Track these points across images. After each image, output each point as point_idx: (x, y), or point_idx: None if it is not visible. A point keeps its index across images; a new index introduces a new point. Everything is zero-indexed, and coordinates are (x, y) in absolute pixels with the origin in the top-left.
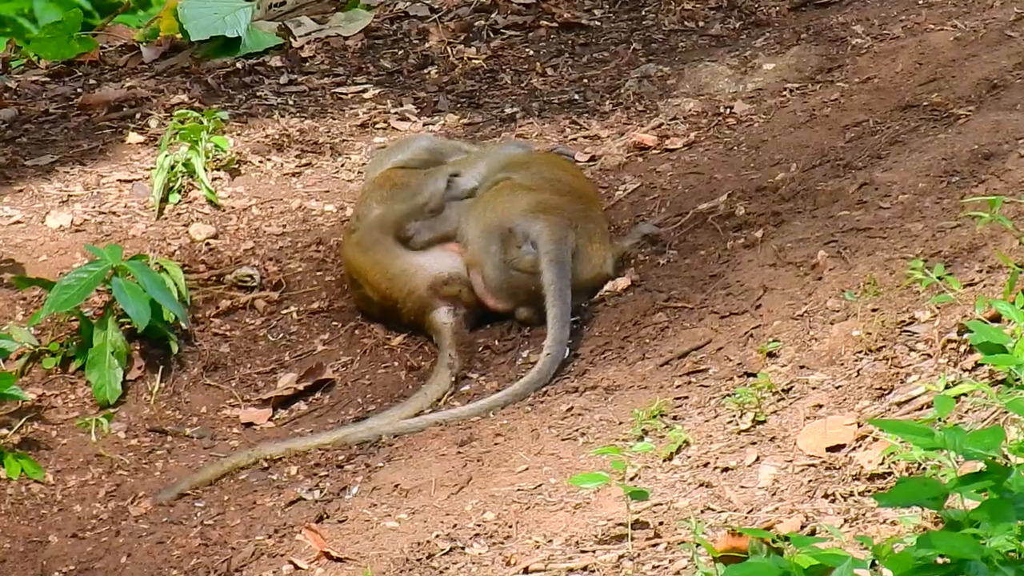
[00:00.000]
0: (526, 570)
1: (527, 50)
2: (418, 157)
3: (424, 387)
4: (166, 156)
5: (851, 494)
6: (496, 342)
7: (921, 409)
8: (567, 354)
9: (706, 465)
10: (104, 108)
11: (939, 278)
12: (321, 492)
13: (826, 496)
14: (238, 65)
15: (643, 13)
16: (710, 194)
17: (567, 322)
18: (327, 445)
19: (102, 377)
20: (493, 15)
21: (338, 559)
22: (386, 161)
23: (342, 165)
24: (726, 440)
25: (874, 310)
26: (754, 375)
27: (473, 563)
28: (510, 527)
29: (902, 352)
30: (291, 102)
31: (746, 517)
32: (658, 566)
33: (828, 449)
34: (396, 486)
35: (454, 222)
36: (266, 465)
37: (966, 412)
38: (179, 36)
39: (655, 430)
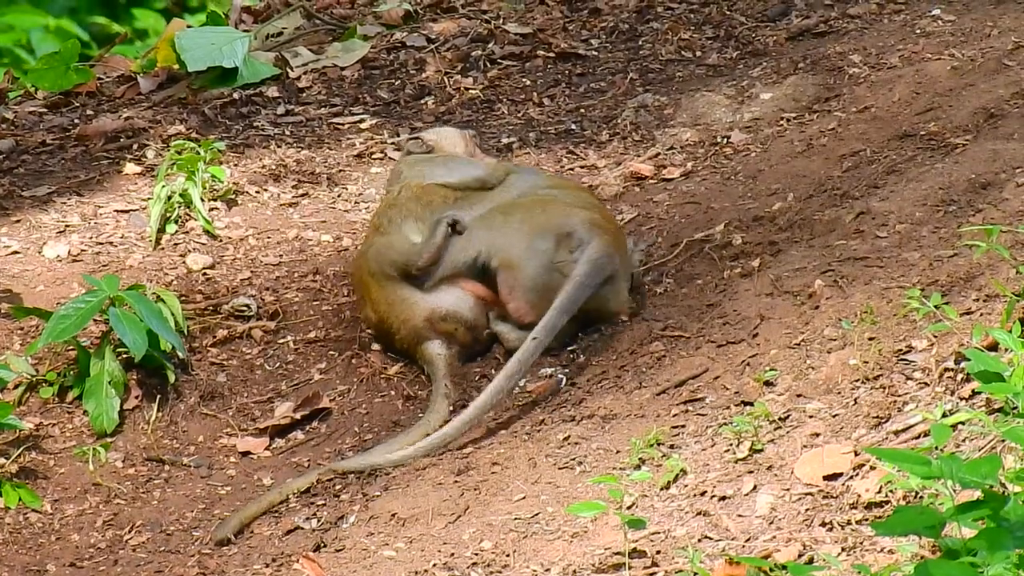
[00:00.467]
0: None
1: (524, 80)
2: (464, 184)
3: (425, 416)
4: (163, 186)
5: (848, 523)
6: (492, 371)
7: (918, 437)
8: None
9: (703, 494)
10: (101, 139)
11: (936, 307)
12: (318, 521)
13: (823, 524)
14: (235, 96)
15: (640, 43)
16: (707, 224)
17: (565, 315)
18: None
19: (99, 406)
20: (490, 45)
21: None
22: (430, 172)
23: (339, 195)
24: (723, 469)
25: (871, 339)
26: (751, 404)
27: None
28: (507, 556)
29: (899, 381)
30: (288, 132)
31: (743, 546)
32: None
33: (825, 478)
34: (393, 515)
35: (460, 259)
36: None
37: (963, 440)
38: (176, 67)
39: (652, 459)
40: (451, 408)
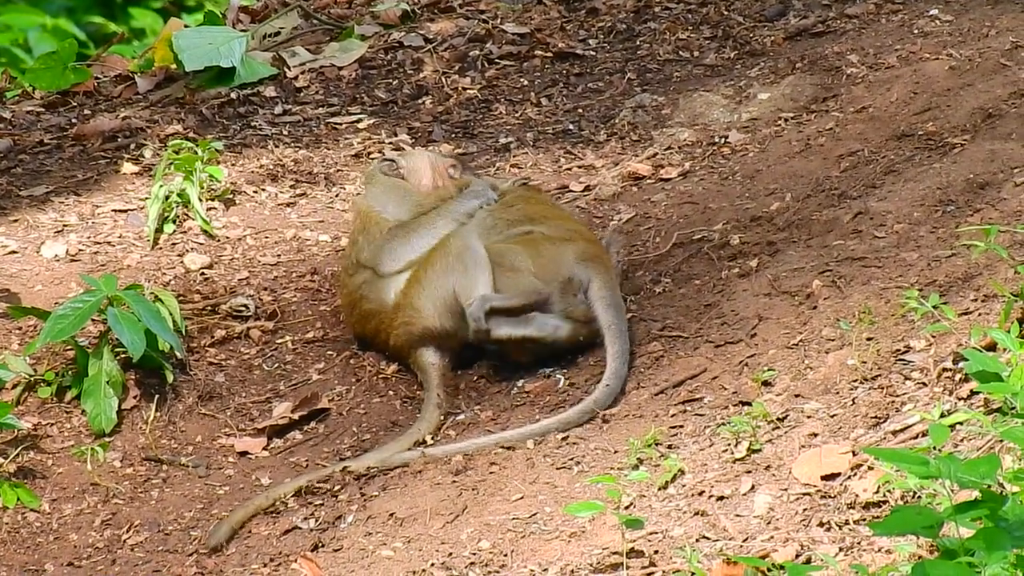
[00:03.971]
0: None
1: (522, 80)
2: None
3: (416, 424)
4: (161, 186)
5: (846, 522)
6: (490, 371)
7: (916, 437)
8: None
9: (701, 494)
10: (99, 138)
11: (934, 307)
12: (316, 521)
13: (821, 524)
14: (232, 95)
15: (638, 43)
16: (705, 224)
17: (626, 360)
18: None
19: (98, 406)
20: (488, 45)
21: None
22: (381, 205)
23: (336, 195)
24: (721, 469)
25: (869, 339)
26: (749, 404)
27: None
28: (505, 556)
29: (897, 381)
30: (285, 132)
31: (741, 546)
32: None
33: (823, 478)
34: (391, 515)
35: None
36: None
37: (961, 440)
38: (174, 66)
39: (650, 459)
40: (442, 417)
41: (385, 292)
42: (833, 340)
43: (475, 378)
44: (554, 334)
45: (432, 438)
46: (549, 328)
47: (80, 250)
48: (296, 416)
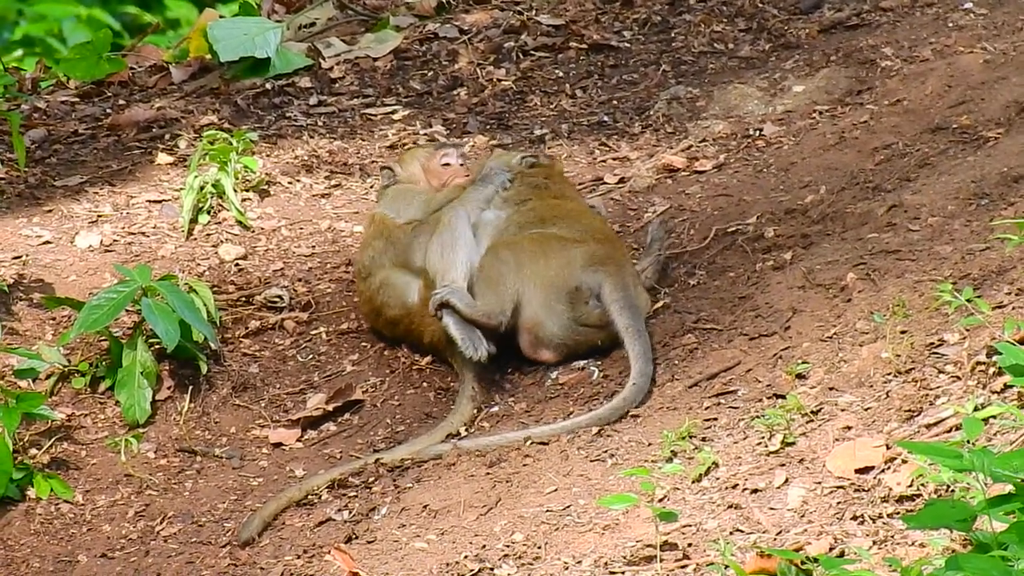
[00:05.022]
0: None
1: (556, 72)
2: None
3: (449, 416)
4: (195, 177)
5: (880, 516)
6: (524, 363)
7: (950, 431)
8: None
9: (735, 487)
10: (133, 129)
11: (968, 300)
12: (350, 513)
13: (855, 518)
14: (267, 86)
15: (673, 35)
16: (739, 216)
17: (650, 358)
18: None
19: (131, 397)
20: (523, 37)
21: None
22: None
23: (371, 186)
24: (755, 462)
25: (903, 332)
26: (783, 397)
27: None
28: (539, 548)
29: (931, 374)
30: (320, 123)
31: (775, 539)
32: None
33: (857, 471)
34: (425, 507)
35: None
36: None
37: (995, 434)
38: (208, 57)
39: (684, 452)
40: (475, 410)
41: (407, 294)
42: (867, 333)
43: (509, 370)
44: (476, 354)
45: (466, 430)
46: (471, 348)
47: (114, 240)
48: (330, 407)
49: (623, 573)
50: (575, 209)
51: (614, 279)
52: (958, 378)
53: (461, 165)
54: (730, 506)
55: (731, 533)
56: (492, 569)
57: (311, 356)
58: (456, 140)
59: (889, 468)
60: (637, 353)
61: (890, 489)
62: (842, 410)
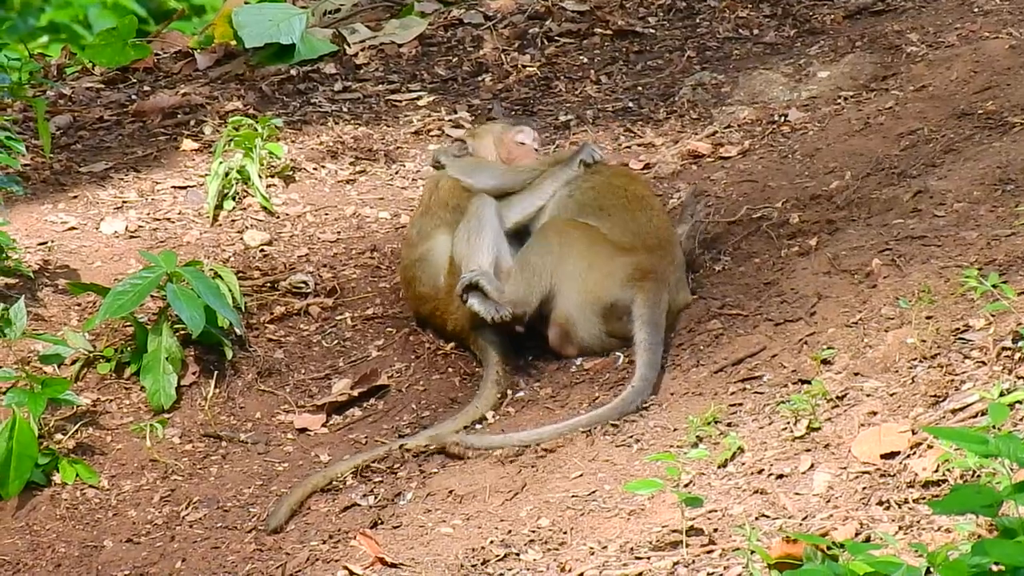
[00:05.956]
0: None
1: (581, 57)
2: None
3: (474, 402)
4: (220, 163)
5: (905, 501)
6: (543, 362)
7: (975, 416)
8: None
9: (760, 472)
10: (158, 115)
11: (993, 286)
12: (375, 498)
13: (880, 503)
14: (292, 72)
15: (697, 21)
16: (764, 202)
17: (656, 367)
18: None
19: (156, 383)
20: (547, 23)
21: (392, 565)
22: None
23: (396, 172)
24: (780, 447)
25: (928, 318)
26: (808, 382)
27: (528, 569)
28: (564, 533)
29: (956, 360)
30: (345, 109)
31: (800, 524)
32: (712, 573)
33: (882, 456)
34: (450, 492)
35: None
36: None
37: (1020, 419)
38: (233, 43)
39: (709, 437)
40: (500, 396)
41: (436, 275)
42: (892, 319)
43: (534, 355)
44: (497, 315)
45: (492, 415)
46: (493, 311)
47: (139, 226)
48: (355, 393)
49: (649, 558)
50: (636, 197)
51: (646, 295)
52: (984, 363)
53: (536, 149)
54: (756, 491)
55: (757, 518)
56: (518, 554)
57: (336, 342)
58: (533, 122)
59: (915, 453)
60: (643, 362)
61: (916, 474)
62: (867, 395)
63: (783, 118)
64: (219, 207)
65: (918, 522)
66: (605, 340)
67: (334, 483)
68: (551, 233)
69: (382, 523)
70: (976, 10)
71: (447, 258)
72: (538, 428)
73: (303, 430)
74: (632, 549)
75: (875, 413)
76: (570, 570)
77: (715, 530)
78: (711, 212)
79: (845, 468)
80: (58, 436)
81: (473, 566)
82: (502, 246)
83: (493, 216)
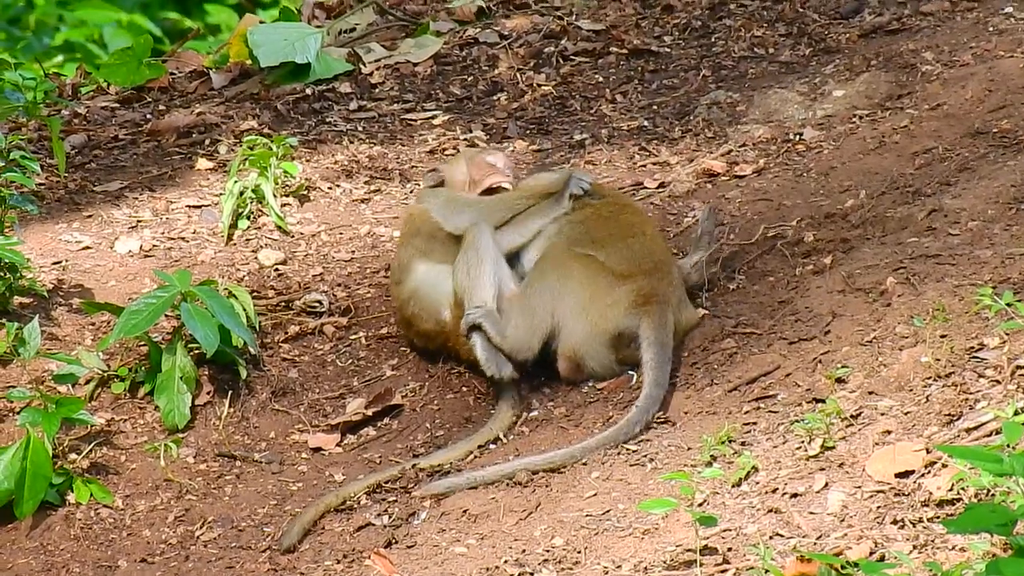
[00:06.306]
0: None
1: (596, 76)
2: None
3: (489, 422)
4: (235, 182)
5: (920, 520)
6: (555, 382)
7: (990, 435)
8: (654, 414)
9: (775, 491)
10: (173, 134)
11: (1008, 305)
12: (390, 517)
13: (895, 522)
14: (307, 91)
15: (713, 40)
16: (779, 220)
17: (663, 388)
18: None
19: (171, 402)
20: (563, 41)
21: None
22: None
23: (411, 191)
24: (795, 466)
25: (943, 336)
26: (823, 401)
27: None
28: (579, 553)
29: (971, 378)
30: (360, 128)
31: (815, 543)
32: None
33: (897, 475)
34: (465, 511)
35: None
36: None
37: None
38: (249, 62)
39: (724, 456)
40: (515, 416)
41: (435, 309)
42: (907, 337)
43: (548, 375)
44: (499, 373)
45: (506, 436)
46: (495, 370)
47: (154, 246)
48: (369, 412)
49: None
50: (627, 224)
51: (651, 319)
52: (998, 382)
53: (507, 174)
54: (770, 510)
55: (771, 537)
56: (532, 574)
57: (350, 361)
58: (506, 152)
59: (929, 472)
60: (650, 381)
61: (930, 493)
62: (882, 414)
63: (798, 137)
64: (234, 226)
65: (932, 541)
66: (616, 368)
67: (348, 503)
68: (548, 268)
69: (396, 543)
70: (991, 29)
71: (437, 289)
72: (545, 453)
73: (317, 449)
74: (646, 568)
75: (889, 432)
76: None
77: (729, 549)
78: (725, 231)
79: (859, 487)
80: (72, 456)
81: None
82: (503, 272)
83: (490, 244)
